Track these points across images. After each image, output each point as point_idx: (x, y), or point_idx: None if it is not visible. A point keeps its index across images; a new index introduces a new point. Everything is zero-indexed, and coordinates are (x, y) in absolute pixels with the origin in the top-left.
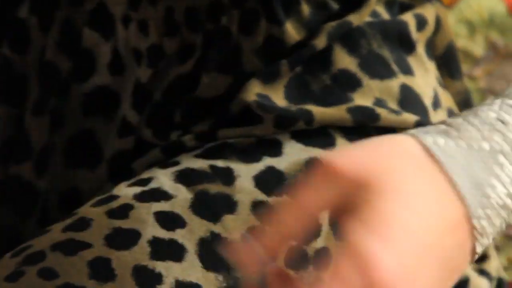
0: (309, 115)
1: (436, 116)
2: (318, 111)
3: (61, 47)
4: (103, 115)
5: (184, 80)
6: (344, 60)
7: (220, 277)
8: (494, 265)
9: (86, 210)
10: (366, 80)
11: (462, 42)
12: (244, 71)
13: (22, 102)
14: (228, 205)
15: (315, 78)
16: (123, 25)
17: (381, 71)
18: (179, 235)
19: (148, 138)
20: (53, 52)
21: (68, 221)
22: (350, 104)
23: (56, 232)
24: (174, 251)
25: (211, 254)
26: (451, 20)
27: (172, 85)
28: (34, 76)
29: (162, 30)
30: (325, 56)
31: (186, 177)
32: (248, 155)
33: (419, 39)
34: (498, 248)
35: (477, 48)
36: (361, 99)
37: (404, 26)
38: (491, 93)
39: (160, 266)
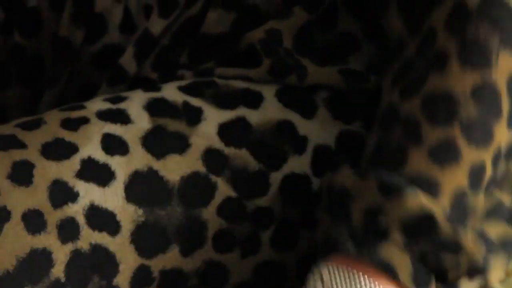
0: (303, 70)
1: None
2: (312, 69)
3: (75, 18)
4: (109, 69)
5: (191, 22)
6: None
7: (140, 211)
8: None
9: (51, 112)
10: (365, 44)
11: None
12: (248, 6)
13: (37, 82)
14: (180, 145)
15: (319, 33)
16: None
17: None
18: (115, 162)
19: (154, 80)
20: (67, 28)
21: (28, 118)
22: (344, 66)
23: (9, 126)
24: (102, 175)
25: (140, 186)
26: None
27: (180, 29)
28: (47, 55)
29: None
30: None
31: (155, 107)
32: (226, 100)
33: None
34: (500, 283)
35: None
36: (356, 63)
37: None
38: None
39: (80, 186)
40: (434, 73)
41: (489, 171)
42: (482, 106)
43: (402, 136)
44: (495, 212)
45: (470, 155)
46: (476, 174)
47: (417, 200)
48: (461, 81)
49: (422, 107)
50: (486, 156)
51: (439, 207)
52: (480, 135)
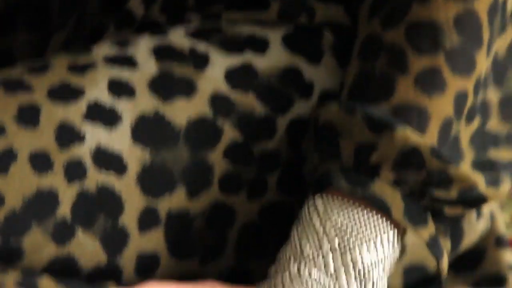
0: (311, 9)
1: None
2: (319, 7)
3: None
4: (118, 13)
5: None
6: None
7: (147, 153)
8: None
9: (58, 56)
10: None
11: None
12: None
13: (44, 27)
14: (187, 89)
15: None
16: None
17: None
18: (121, 105)
19: (162, 23)
20: None
21: (36, 63)
22: (349, 5)
23: (16, 69)
24: (108, 118)
25: (147, 129)
26: None
27: None
28: (55, 3)
29: None
30: None
31: (162, 52)
32: (233, 45)
33: None
34: (501, 206)
35: None
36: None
37: None
38: None
39: (87, 128)
40: (417, 2)
41: (470, 99)
42: (464, 35)
43: (387, 65)
44: (481, 139)
45: (455, 83)
46: (460, 102)
47: (406, 136)
48: (444, 10)
49: (406, 35)
50: (469, 85)
51: (426, 142)
52: (464, 63)
